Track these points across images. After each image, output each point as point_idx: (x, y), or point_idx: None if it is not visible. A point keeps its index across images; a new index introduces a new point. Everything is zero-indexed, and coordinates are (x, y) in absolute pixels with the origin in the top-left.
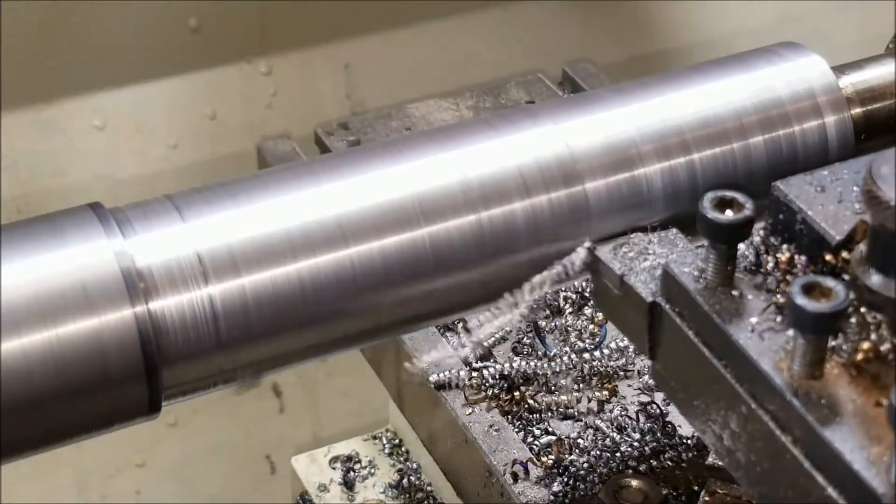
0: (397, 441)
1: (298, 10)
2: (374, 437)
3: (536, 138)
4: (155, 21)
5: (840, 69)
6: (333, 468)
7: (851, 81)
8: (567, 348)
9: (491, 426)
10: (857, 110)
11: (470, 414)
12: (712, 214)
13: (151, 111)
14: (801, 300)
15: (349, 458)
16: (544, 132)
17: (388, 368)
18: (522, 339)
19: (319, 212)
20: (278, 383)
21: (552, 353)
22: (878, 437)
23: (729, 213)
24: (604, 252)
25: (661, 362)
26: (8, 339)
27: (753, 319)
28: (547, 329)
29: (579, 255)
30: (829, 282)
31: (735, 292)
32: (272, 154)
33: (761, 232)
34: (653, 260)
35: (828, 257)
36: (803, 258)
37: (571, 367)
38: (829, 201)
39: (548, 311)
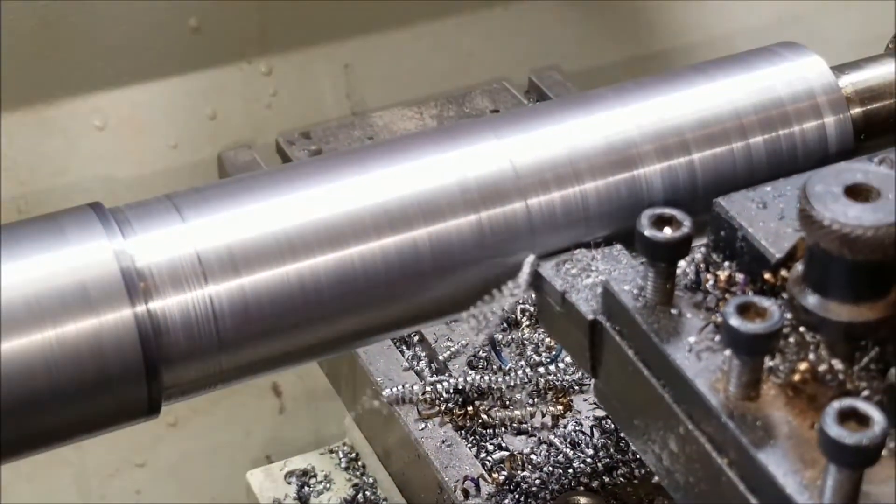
0: (354, 455)
1: (298, 11)
2: (332, 451)
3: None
4: (155, 21)
5: (840, 69)
6: (289, 483)
7: (851, 81)
8: (523, 362)
9: (444, 441)
10: (856, 110)
11: (423, 429)
12: (650, 232)
13: (151, 111)
14: (735, 321)
15: (304, 473)
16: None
17: (345, 383)
18: (478, 352)
19: (319, 212)
20: (278, 383)
21: (507, 368)
22: (812, 460)
23: (667, 231)
24: (546, 269)
25: (602, 381)
26: (8, 338)
27: (691, 339)
28: (503, 342)
29: (523, 271)
30: (765, 302)
31: (674, 311)
32: (232, 164)
33: (703, 249)
34: (595, 277)
35: (767, 276)
36: (742, 276)
37: (526, 381)
38: (771, 218)
39: (504, 324)
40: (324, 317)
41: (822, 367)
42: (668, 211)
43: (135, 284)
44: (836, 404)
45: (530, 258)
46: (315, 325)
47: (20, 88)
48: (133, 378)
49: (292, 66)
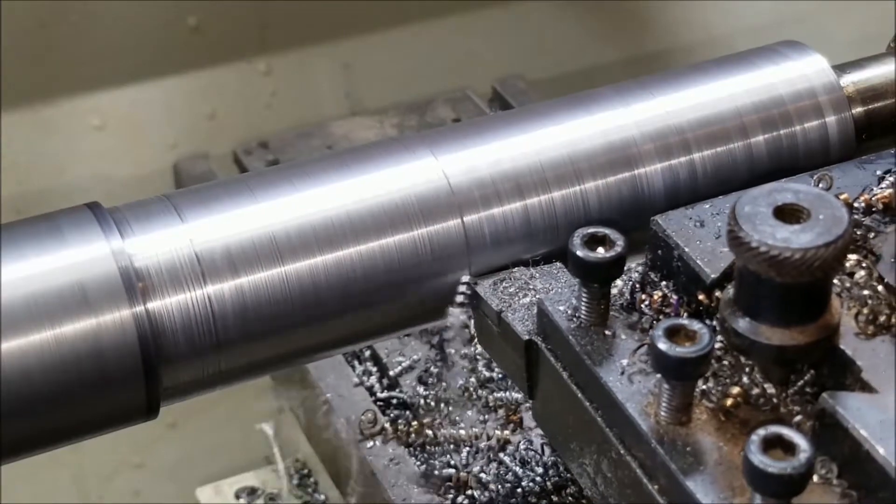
0: (306, 471)
1: (298, 10)
2: (285, 468)
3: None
4: (154, 20)
5: (841, 68)
6: (238, 498)
7: (853, 80)
8: (473, 378)
9: (391, 459)
10: (858, 109)
11: (371, 447)
12: (582, 252)
13: (150, 111)
14: (663, 344)
15: (254, 490)
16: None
17: (297, 398)
18: (430, 367)
19: (318, 212)
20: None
21: (458, 384)
22: (741, 487)
23: (600, 251)
24: (483, 287)
25: (539, 402)
26: (6, 339)
27: (624, 361)
28: (456, 357)
29: (459, 290)
30: (695, 325)
31: (608, 332)
32: (188, 173)
33: (640, 268)
34: (533, 296)
35: (701, 297)
36: (675, 297)
37: (477, 398)
38: (708, 237)
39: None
40: (323, 317)
41: (755, 392)
42: (601, 230)
43: (133, 285)
44: (762, 432)
45: (466, 277)
46: (314, 326)
47: (19, 88)
48: (132, 378)
49: (291, 65)
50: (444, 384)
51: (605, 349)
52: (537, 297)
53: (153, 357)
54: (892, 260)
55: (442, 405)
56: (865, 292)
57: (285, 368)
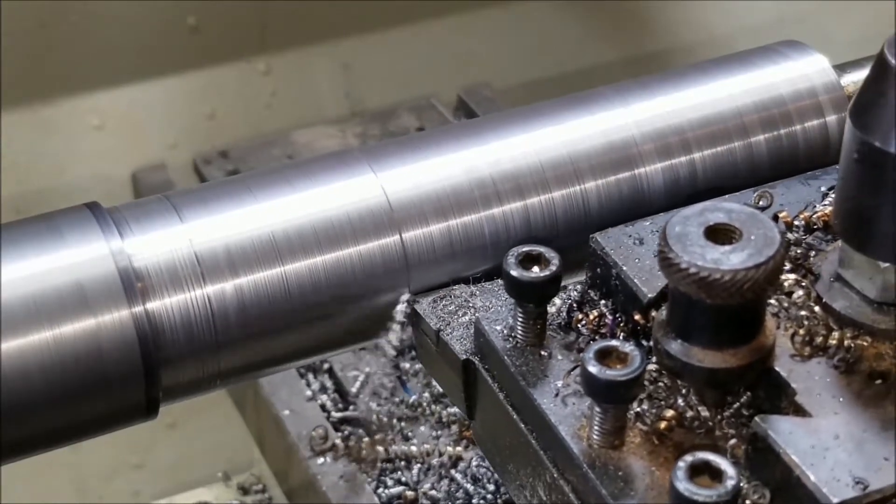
0: (260, 486)
1: (297, 10)
2: (238, 483)
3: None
4: (153, 20)
5: (842, 68)
6: None
7: (853, 80)
8: (427, 393)
9: (342, 476)
10: None
11: (322, 464)
12: (516, 272)
13: (150, 110)
14: (593, 367)
15: None
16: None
17: (251, 412)
18: (384, 382)
19: (317, 212)
20: None
21: (412, 399)
22: None
23: (535, 270)
24: (423, 305)
25: (478, 422)
26: (5, 339)
27: (559, 383)
28: (411, 372)
29: (399, 307)
30: (627, 347)
31: (545, 352)
32: (146, 184)
33: (579, 286)
34: (472, 314)
35: (637, 317)
36: (610, 318)
37: (430, 413)
38: (647, 255)
39: (413, 353)
40: (322, 317)
41: (689, 415)
42: (536, 248)
43: (132, 285)
44: (689, 458)
45: (406, 295)
46: (313, 325)
47: (19, 88)
48: (131, 379)
49: (291, 65)
50: (397, 399)
51: (540, 370)
52: (477, 315)
53: (152, 357)
54: (831, 279)
55: (395, 421)
56: (803, 313)
57: (284, 368)
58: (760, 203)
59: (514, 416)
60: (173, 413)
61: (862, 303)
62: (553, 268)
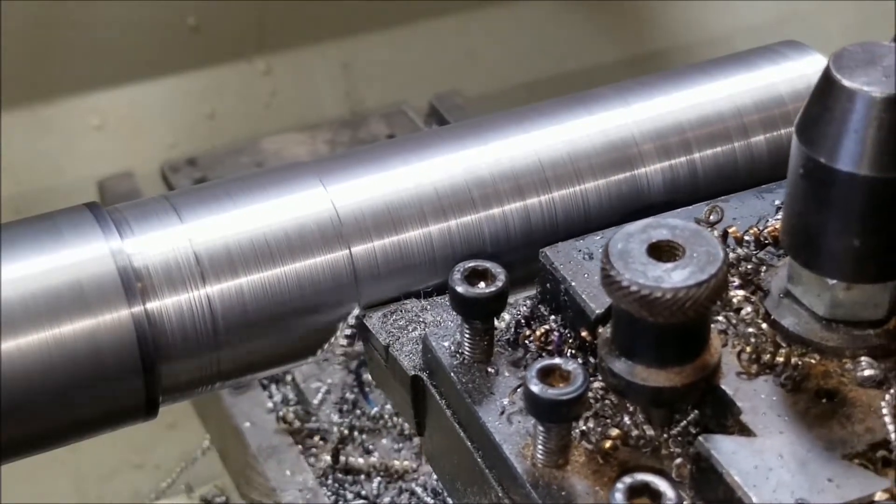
0: (223, 498)
1: (297, 10)
2: (200, 495)
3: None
4: (153, 20)
5: None
6: None
7: None
8: (389, 405)
9: (301, 490)
10: None
11: (282, 478)
12: (462, 288)
13: (150, 110)
14: (535, 386)
15: None
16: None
17: (212, 423)
18: (345, 394)
19: (317, 212)
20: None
21: (374, 411)
22: None
23: (481, 286)
24: (373, 320)
25: (427, 439)
26: (5, 339)
27: (505, 400)
28: (374, 384)
29: (348, 322)
30: (570, 365)
31: (491, 369)
32: (113, 192)
33: (528, 301)
34: (422, 329)
35: (584, 333)
36: (556, 334)
37: (392, 425)
38: (596, 270)
39: None
40: (321, 317)
41: (635, 433)
42: (482, 264)
43: (132, 284)
44: (628, 479)
45: (356, 309)
46: (312, 326)
47: (18, 88)
48: (130, 378)
49: (291, 65)
50: (359, 411)
51: (486, 387)
52: (427, 330)
53: (152, 357)
54: (780, 295)
55: (356, 433)
56: (750, 330)
57: (284, 368)
58: (711, 217)
59: (461, 434)
60: (174, 413)
61: (811, 319)
62: (499, 284)
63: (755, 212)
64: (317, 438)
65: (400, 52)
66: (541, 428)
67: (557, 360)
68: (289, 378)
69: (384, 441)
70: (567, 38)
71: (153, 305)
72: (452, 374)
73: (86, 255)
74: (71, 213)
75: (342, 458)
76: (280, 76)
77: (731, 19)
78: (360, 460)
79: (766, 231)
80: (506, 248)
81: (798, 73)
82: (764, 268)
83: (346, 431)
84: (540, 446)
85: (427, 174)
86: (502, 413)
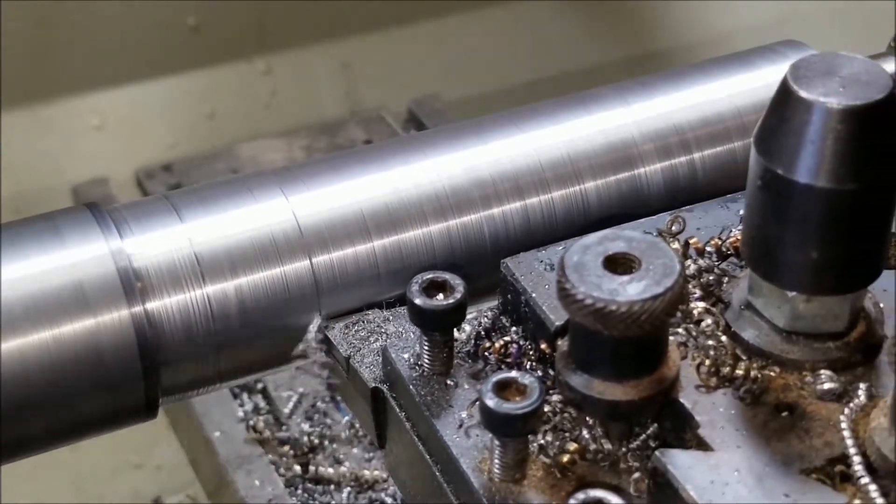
0: None
1: (297, 10)
2: None
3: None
4: (153, 20)
5: None
6: None
7: None
8: None
9: (271, 500)
10: None
11: (252, 488)
12: (420, 300)
13: (150, 110)
14: (491, 401)
15: None
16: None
17: (183, 432)
18: (317, 403)
19: (316, 212)
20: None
21: (346, 420)
22: None
23: (439, 298)
24: (335, 331)
25: (388, 451)
26: (5, 339)
27: (463, 413)
28: None
29: (310, 333)
30: (526, 379)
31: (451, 381)
32: (86, 197)
33: (489, 313)
34: (384, 340)
35: (543, 345)
36: (515, 346)
37: (363, 435)
38: None
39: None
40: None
41: (593, 447)
42: (441, 275)
43: (132, 285)
44: (580, 495)
45: (317, 320)
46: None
47: (18, 88)
48: (130, 379)
49: (291, 64)
50: (330, 420)
51: (445, 400)
52: (385, 342)
53: (152, 357)
54: (741, 307)
55: (326, 442)
56: (710, 342)
57: (284, 369)
58: (673, 228)
59: (420, 447)
60: (173, 413)
61: (771, 332)
62: (457, 295)
63: (719, 222)
64: (287, 448)
65: (400, 52)
66: (497, 442)
67: (514, 374)
68: (259, 386)
69: (355, 451)
70: (568, 38)
71: (153, 305)
72: (411, 386)
73: (86, 255)
74: (71, 213)
75: (312, 468)
76: (280, 76)
77: (732, 19)
78: (331, 470)
79: (728, 241)
80: (505, 249)
81: None
82: (726, 279)
83: (316, 441)
84: (497, 461)
85: (429, 172)
86: (460, 426)
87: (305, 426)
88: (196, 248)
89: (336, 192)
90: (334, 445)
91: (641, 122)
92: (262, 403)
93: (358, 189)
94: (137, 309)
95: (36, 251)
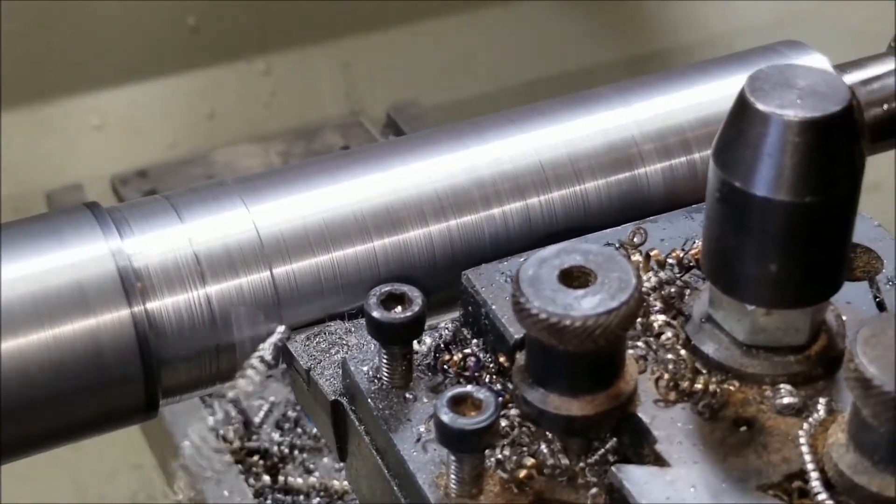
0: None
1: (297, 9)
2: None
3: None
4: (153, 20)
5: (842, 68)
6: None
7: (853, 80)
8: None
9: None
10: None
11: (221, 498)
12: (378, 313)
13: (149, 110)
14: (445, 416)
15: None
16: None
17: (155, 440)
18: (287, 412)
19: (315, 213)
20: None
21: (316, 429)
22: None
23: (398, 310)
24: (295, 343)
25: (349, 465)
26: (5, 339)
27: (421, 428)
28: None
29: (270, 343)
30: (481, 393)
31: (410, 395)
32: (61, 204)
33: (450, 325)
34: (346, 352)
35: (501, 359)
36: (473, 360)
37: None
38: None
39: None
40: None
41: (550, 462)
42: (399, 288)
43: (132, 284)
44: None
45: (280, 330)
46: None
47: (18, 88)
48: (130, 378)
49: (291, 64)
50: (300, 430)
51: (403, 414)
52: (344, 355)
53: (152, 357)
54: (702, 320)
55: (297, 451)
56: (669, 356)
57: (283, 369)
58: (635, 239)
59: (379, 461)
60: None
61: (731, 345)
62: (416, 308)
63: (684, 232)
64: (256, 457)
65: (400, 52)
66: (453, 457)
67: (469, 388)
68: (230, 395)
69: (325, 460)
70: (568, 38)
71: (153, 305)
72: (370, 399)
73: (86, 255)
74: (71, 213)
75: (281, 478)
76: (280, 76)
77: (731, 19)
78: (300, 480)
79: (690, 253)
80: (506, 249)
81: None
82: (688, 291)
83: (286, 450)
84: (453, 476)
85: (429, 172)
86: (418, 440)
87: (276, 435)
88: (196, 248)
89: (338, 192)
90: (304, 455)
91: (641, 122)
92: (232, 412)
93: (358, 189)
94: (138, 309)
95: (36, 251)
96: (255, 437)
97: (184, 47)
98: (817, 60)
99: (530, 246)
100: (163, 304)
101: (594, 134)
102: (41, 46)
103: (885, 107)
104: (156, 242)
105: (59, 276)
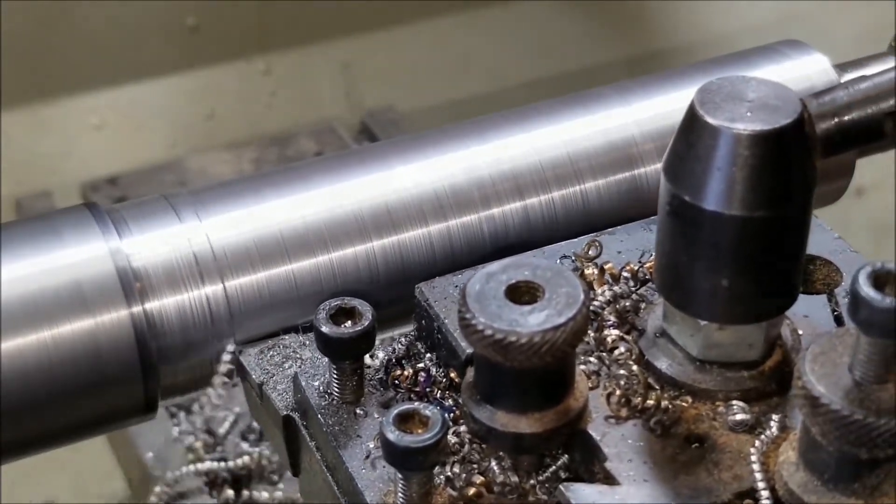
0: None
1: (297, 9)
2: None
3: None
4: (153, 20)
5: (842, 67)
6: None
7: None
8: None
9: None
10: None
11: None
12: (327, 328)
13: (149, 110)
14: (391, 434)
15: None
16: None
17: (121, 451)
18: (253, 423)
19: (315, 213)
20: None
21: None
22: None
23: (347, 325)
24: (248, 357)
25: (302, 480)
26: (5, 339)
27: (371, 444)
28: None
29: (223, 359)
30: (428, 410)
31: (360, 411)
32: (30, 210)
33: (404, 339)
34: (299, 366)
35: (452, 374)
36: (424, 375)
37: None
38: None
39: None
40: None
41: (500, 480)
42: (349, 302)
43: (131, 284)
44: None
45: (230, 346)
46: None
47: (18, 88)
48: (130, 378)
49: (291, 64)
50: (266, 442)
51: (353, 430)
52: (296, 369)
53: (151, 356)
54: (656, 335)
55: (264, 462)
56: (622, 371)
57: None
58: (590, 252)
59: (329, 478)
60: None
61: (685, 361)
62: (365, 322)
63: (641, 245)
64: (221, 465)
65: (400, 52)
66: (400, 475)
67: (417, 405)
68: (196, 407)
69: (290, 474)
70: (568, 38)
71: (152, 305)
72: (319, 415)
73: (85, 255)
74: (70, 213)
75: (245, 492)
76: (280, 76)
77: (732, 19)
78: (265, 494)
79: (645, 266)
80: (505, 249)
81: (799, 72)
82: (643, 305)
83: (252, 464)
84: (400, 494)
85: (428, 173)
86: (367, 457)
87: (243, 446)
88: (195, 248)
89: (339, 192)
90: (272, 466)
91: (642, 122)
92: (198, 423)
93: (357, 190)
94: (136, 309)
95: (35, 251)
96: (220, 448)
97: (184, 47)
98: (817, 60)
99: (530, 246)
100: (162, 304)
101: (594, 134)
102: (41, 46)
103: (836, 120)
104: (155, 242)
105: (57, 276)
